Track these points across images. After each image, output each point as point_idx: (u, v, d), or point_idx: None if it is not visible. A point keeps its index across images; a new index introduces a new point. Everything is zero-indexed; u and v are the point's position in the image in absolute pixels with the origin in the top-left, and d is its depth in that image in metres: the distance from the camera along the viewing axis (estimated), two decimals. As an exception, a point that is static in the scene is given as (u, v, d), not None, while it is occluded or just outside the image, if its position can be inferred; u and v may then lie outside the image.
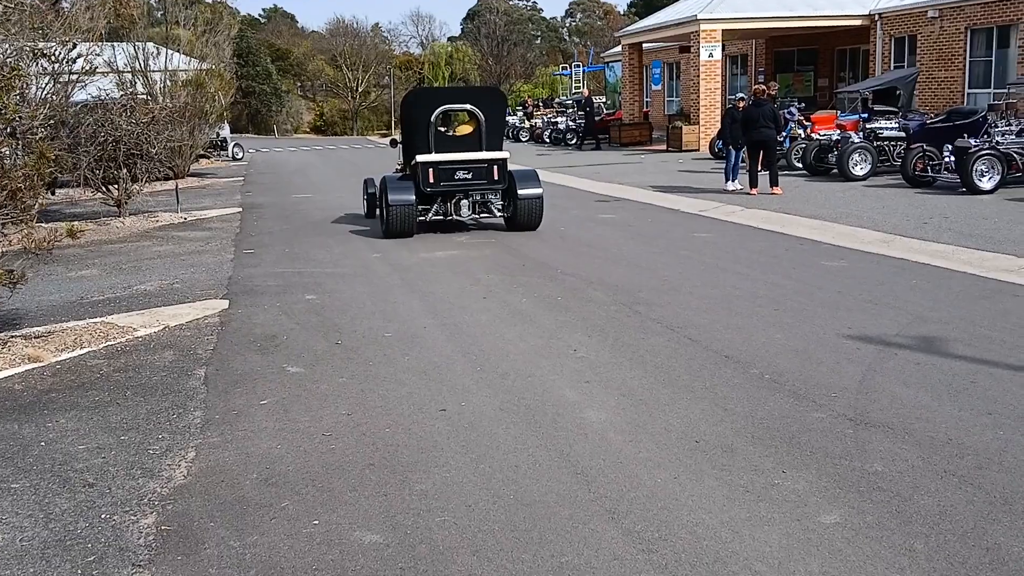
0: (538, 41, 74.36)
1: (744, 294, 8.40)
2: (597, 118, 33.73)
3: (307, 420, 5.38)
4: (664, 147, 27.71)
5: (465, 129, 13.32)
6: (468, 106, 13.06)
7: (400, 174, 13.68)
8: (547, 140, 33.81)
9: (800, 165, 19.21)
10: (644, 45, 31.69)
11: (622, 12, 75.14)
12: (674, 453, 4.68)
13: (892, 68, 25.65)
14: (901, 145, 17.63)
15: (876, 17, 25.76)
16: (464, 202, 12.85)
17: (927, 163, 15.64)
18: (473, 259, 10.92)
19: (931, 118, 17.89)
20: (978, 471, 4.32)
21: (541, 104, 43.49)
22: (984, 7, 22.30)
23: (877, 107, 18.42)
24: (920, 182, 15.72)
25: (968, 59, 23.05)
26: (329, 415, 5.45)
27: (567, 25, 78.04)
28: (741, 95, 17.40)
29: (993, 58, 22.46)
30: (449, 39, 74.66)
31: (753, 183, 16.24)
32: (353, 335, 7.34)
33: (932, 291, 8.29)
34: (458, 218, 12.94)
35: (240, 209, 17.17)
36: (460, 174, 12.66)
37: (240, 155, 32.78)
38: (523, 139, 36.74)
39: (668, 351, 6.52)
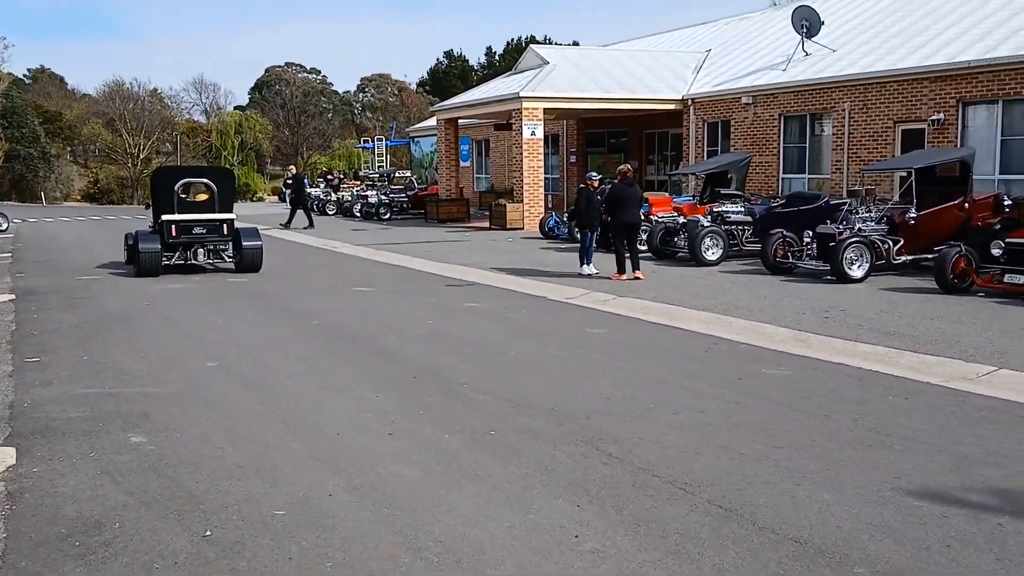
0: (330, 115, 71.93)
1: (716, 419, 6.56)
2: (411, 192, 31.91)
3: None
4: (487, 224, 26.11)
5: (202, 196, 16.67)
6: (204, 180, 16.72)
7: (151, 229, 16.80)
8: (358, 214, 31.44)
9: (645, 247, 18.05)
10: (460, 121, 30.25)
11: (415, 89, 74.48)
12: None
13: (706, 152, 25.50)
14: (748, 229, 16.84)
15: (690, 102, 25.61)
16: (200, 250, 16.45)
17: (787, 249, 14.77)
18: (353, 375, 8.49)
19: (776, 203, 17.27)
20: None
21: (343, 176, 41.09)
22: (796, 95, 22.47)
23: (724, 191, 17.63)
24: (780, 269, 14.79)
25: (782, 145, 23.13)
26: None
27: (361, 100, 76.07)
28: (595, 174, 16.00)
29: (807, 144, 22.60)
30: (236, 108, 70.75)
31: (621, 268, 14.72)
32: (225, 514, 4.79)
33: (924, 412, 6.80)
34: (195, 262, 16.51)
35: (12, 296, 13.66)
36: (197, 229, 16.23)
37: (4, 226, 28.10)
38: (330, 212, 34.12)
39: (709, 533, 4.49)
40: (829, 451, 5.80)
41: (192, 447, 6.03)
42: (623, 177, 15.12)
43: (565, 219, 21.97)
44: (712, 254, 16.17)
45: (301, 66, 78.32)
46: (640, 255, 16.93)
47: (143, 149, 54.96)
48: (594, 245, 15.64)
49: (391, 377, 8.07)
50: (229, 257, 16.61)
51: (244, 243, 16.34)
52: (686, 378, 7.98)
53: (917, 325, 10.13)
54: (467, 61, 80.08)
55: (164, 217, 16.01)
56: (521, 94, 24.24)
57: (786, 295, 12.62)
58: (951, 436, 6.13)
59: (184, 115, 67.36)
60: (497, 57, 76.96)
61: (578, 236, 20.77)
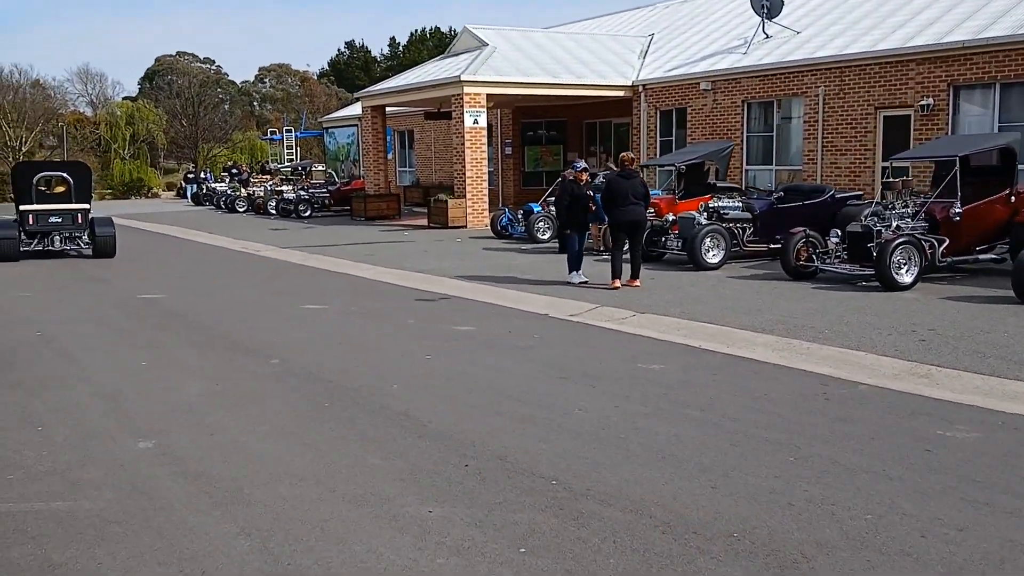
0: (227, 106, 67.02)
1: (997, 546, 4.03)
2: (332, 187, 28.64)
3: None
4: (424, 222, 23.17)
5: (60, 189, 17.51)
6: (62, 174, 17.60)
7: (14, 218, 17.45)
8: (273, 211, 27.96)
9: (624, 248, 15.57)
10: (388, 109, 27.10)
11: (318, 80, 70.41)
12: None
13: (658, 142, 23.22)
14: (748, 228, 14.52)
15: (640, 88, 23.26)
16: (57, 237, 17.48)
17: (811, 251, 12.49)
18: (373, 464, 5.62)
19: (775, 197, 14.98)
20: None
21: (251, 170, 37.26)
22: (762, 80, 20.35)
23: (720, 184, 15.26)
24: (801, 273, 12.50)
25: (745, 133, 21.00)
26: None
27: (260, 91, 71.30)
28: (582, 164, 13.33)
29: (774, 132, 20.54)
30: (125, 99, 65.12)
31: (617, 274, 12.21)
32: None
33: None
34: (52, 248, 17.48)
35: None
36: (53, 219, 17.24)
37: None
38: (240, 209, 30.47)
39: None
40: None
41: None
42: (623, 167, 12.55)
43: (520, 216, 19.31)
44: (713, 256, 13.78)
45: (194, 55, 73.07)
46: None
47: (25, 142, 49.52)
48: (582, 248, 13.02)
49: (433, 466, 5.25)
50: (85, 244, 17.59)
51: (97, 230, 17.25)
52: (856, 453, 5.43)
53: (1052, 351, 7.89)
54: (369, 52, 76.35)
55: (22, 207, 17.22)
56: (463, 78, 21.39)
57: (841, 308, 10.28)
58: None
59: (70, 107, 61.66)
60: (401, 48, 73.52)
61: (538, 235, 18.31)
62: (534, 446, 5.60)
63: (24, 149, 49.25)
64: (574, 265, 12.83)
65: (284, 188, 28.71)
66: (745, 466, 5.19)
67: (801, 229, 12.58)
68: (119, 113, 54.63)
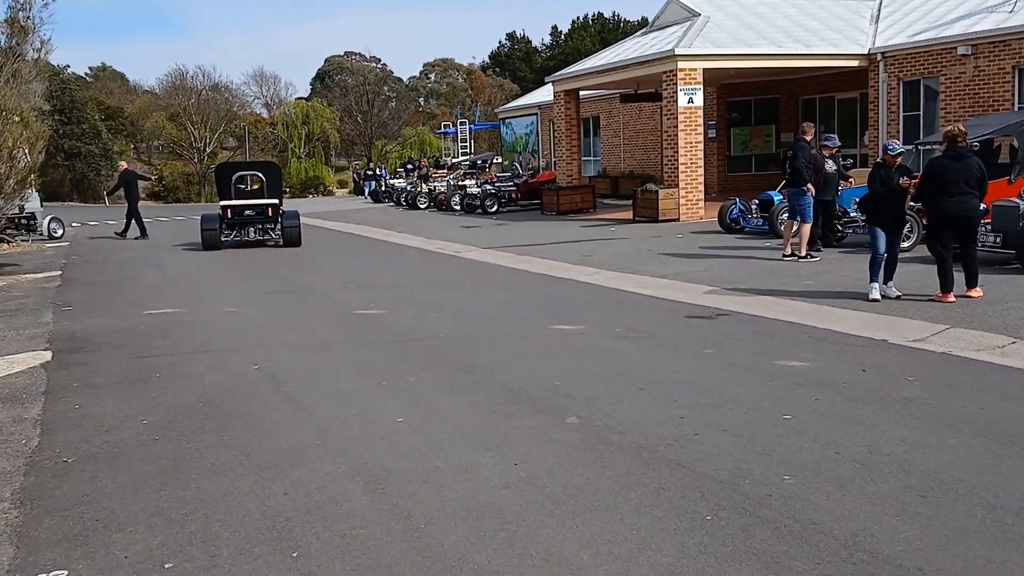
0: (393, 103, 66.61)
1: None
2: (519, 180, 26.51)
3: None
4: (627, 216, 20.63)
5: (255, 186, 19.42)
6: (256, 173, 19.64)
7: (218, 214, 18.88)
8: (457, 207, 26.13)
9: (905, 245, 12.53)
10: (582, 93, 24.68)
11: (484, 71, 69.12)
12: None
13: (901, 118, 19.76)
14: (1087, 218, 11.15)
15: (879, 57, 19.84)
16: (251, 229, 19.16)
17: None
18: None
19: None
20: None
21: (424, 165, 35.74)
22: (1044, 39, 16.64)
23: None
24: None
25: (1017, 105, 17.30)
26: None
27: (426, 86, 70.66)
28: (896, 144, 10.23)
29: (1059, 102, 16.78)
30: (298, 99, 65.82)
31: (948, 285, 9.29)
32: None
33: None
34: (247, 238, 19.10)
35: (48, 356, 8.55)
36: (248, 212, 18.95)
37: (59, 232, 23.34)
38: (421, 206, 28.86)
39: None
40: None
41: None
42: (951, 145, 9.57)
43: (755, 207, 16.46)
44: (1054, 255, 10.58)
45: (361, 55, 73.27)
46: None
47: (208, 143, 50.34)
48: (897, 252, 10.06)
49: None
50: (275, 234, 18.92)
51: (284, 223, 18.65)
52: None
53: None
54: (530, 42, 74.47)
55: (222, 203, 18.89)
56: (677, 51, 18.68)
57: None
58: None
59: (245, 109, 62.80)
60: (563, 36, 71.17)
61: (782, 229, 15.40)
62: None
63: (208, 150, 50.06)
64: (875, 274, 9.90)
65: (468, 183, 26.82)
66: None
67: None
68: (295, 113, 54.89)
